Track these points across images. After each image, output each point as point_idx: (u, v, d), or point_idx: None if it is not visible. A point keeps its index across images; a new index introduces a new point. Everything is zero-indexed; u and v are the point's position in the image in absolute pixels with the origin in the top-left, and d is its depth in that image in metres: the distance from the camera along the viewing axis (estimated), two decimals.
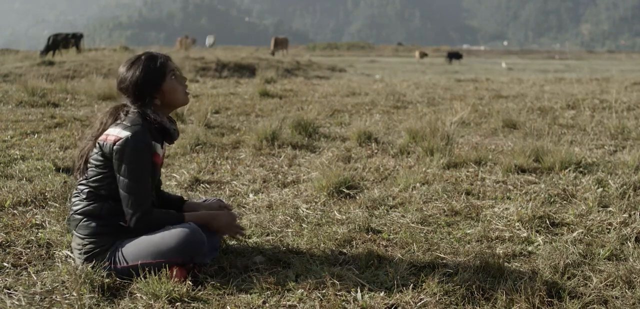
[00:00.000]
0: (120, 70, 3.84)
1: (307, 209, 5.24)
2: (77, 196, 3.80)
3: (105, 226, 3.74)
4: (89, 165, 3.76)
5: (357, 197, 5.55)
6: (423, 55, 52.01)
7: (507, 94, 14.36)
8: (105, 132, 3.74)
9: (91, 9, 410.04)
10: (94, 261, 3.70)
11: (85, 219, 3.74)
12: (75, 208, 3.79)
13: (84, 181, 3.79)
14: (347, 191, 5.68)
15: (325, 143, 7.98)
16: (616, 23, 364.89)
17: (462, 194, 5.62)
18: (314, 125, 8.56)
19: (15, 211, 4.93)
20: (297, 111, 10.42)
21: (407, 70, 33.39)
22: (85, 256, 3.73)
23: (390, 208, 5.30)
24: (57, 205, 5.07)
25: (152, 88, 3.81)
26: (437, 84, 17.43)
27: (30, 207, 5.06)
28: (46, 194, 5.33)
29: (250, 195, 5.68)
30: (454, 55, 47.16)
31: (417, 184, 5.91)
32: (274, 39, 44.46)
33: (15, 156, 6.87)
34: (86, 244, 3.74)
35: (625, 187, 5.62)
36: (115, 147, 3.64)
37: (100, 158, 3.70)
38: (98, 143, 3.72)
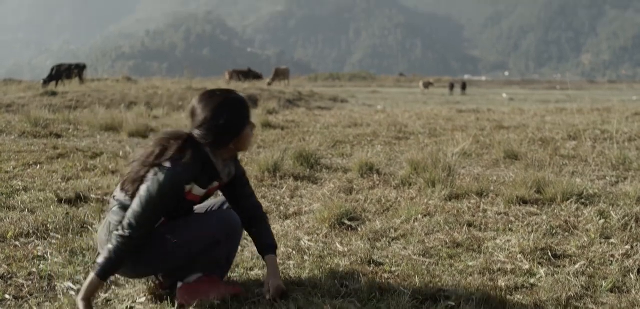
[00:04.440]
0: (199, 107, 3.71)
1: (309, 241, 5.23)
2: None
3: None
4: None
5: (359, 229, 5.54)
6: (427, 85, 52.25)
7: (508, 124, 14.38)
8: None
9: (94, 39, 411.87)
10: None
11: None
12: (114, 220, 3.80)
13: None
14: (349, 223, 5.68)
15: (327, 174, 7.99)
16: (617, 53, 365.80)
17: (464, 225, 5.61)
18: (316, 156, 8.57)
19: (17, 243, 4.94)
20: (299, 142, 10.45)
21: (408, 101, 33.46)
22: None
23: (392, 240, 5.29)
24: (59, 237, 5.07)
25: (233, 136, 3.73)
26: (439, 115, 17.47)
27: (32, 239, 5.07)
28: (48, 225, 5.34)
29: None
30: (463, 86, 49.10)
31: (419, 216, 5.91)
32: (275, 70, 44.58)
33: (18, 187, 6.88)
34: None
35: (627, 218, 5.61)
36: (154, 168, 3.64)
37: None
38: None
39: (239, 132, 3.73)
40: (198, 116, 3.68)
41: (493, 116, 17.28)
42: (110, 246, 3.57)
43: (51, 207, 6.01)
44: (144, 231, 3.60)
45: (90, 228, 5.33)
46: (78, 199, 6.34)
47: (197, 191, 3.73)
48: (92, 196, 6.45)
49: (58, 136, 11.20)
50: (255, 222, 4.08)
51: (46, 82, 32.49)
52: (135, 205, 3.58)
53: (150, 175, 3.59)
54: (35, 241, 5.04)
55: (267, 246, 4.04)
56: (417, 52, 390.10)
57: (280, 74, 44.07)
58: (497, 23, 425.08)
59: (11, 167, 8.00)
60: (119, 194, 3.79)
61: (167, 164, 3.57)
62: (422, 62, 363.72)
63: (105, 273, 3.58)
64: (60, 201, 6.29)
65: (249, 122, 3.78)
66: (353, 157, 8.94)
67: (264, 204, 6.49)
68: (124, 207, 3.72)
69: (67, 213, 5.70)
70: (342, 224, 5.66)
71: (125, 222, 3.57)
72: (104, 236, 3.78)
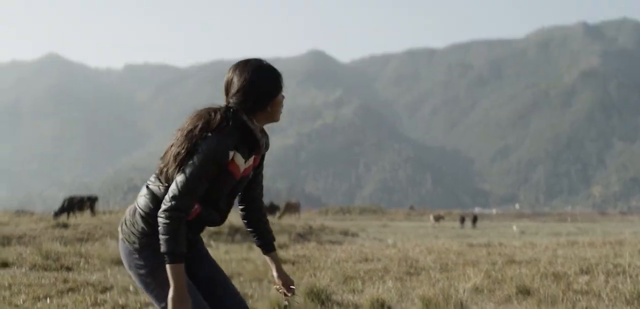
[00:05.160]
0: (235, 76, 3.78)
1: None
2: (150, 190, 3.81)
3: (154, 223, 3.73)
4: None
5: None
6: (438, 218, 52.19)
7: (520, 259, 14.31)
8: None
9: (106, 172, 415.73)
10: (130, 247, 3.77)
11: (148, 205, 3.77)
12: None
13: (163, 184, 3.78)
14: None
15: None
16: (627, 184, 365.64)
17: None
18: (327, 292, 8.52)
19: None
20: (310, 278, 10.41)
21: (419, 235, 33.42)
22: (130, 237, 3.78)
23: None
24: None
25: (271, 97, 3.79)
26: (450, 249, 17.42)
27: None
28: None
29: None
30: (473, 219, 49.49)
31: None
32: (285, 204, 44.77)
33: None
34: (136, 231, 3.78)
35: None
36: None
37: None
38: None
39: (276, 94, 3.81)
40: (235, 83, 3.76)
41: (504, 250, 17.22)
42: (159, 229, 3.57)
43: None
44: (187, 201, 3.58)
45: None
46: None
47: (239, 160, 3.72)
48: None
49: (69, 269, 11.21)
50: (261, 216, 4.19)
51: (57, 214, 32.67)
52: (179, 177, 3.59)
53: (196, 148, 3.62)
54: None
55: (270, 242, 4.20)
56: (427, 186, 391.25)
57: (291, 208, 44.23)
58: (506, 156, 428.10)
59: (21, 301, 7.99)
60: (153, 183, 3.82)
61: (210, 134, 3.62)
62: (432, 196, 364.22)
63: (173, 254, 3.56)
64: None
65: (282, 88, 3.87)
66: (364, 294, 8.89)
67: None
68: (155, 198, 3.75)
69: None
70: None
71: (168, 195, 3.57)
72: (129, 216, 3.83)
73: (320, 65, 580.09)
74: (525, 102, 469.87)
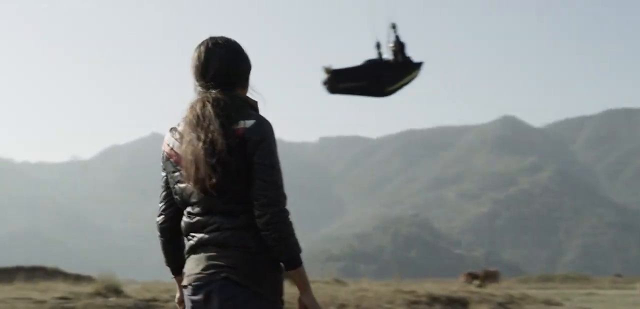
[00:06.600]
0: (212, 55, 3.33)
1: None
2: (226, 217, 3.18)
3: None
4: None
5: None
6: None
7: None
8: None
9: (303, 244, 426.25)
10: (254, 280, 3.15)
11: (242, 231, 3.18)
12: (228, 225, 3.18)
13: (229, 205, 3.19)
14: None
15: None
16: None
17: None
18: None
19: None
20: None
21: (628, 304, 31.66)
22: (248, 270, 3.16)
23: None
24: None
25: (249, 70, 3.45)
26: None
27: None
28: None
29: None
30: None
31: None
32: (484, 272, 44.15)
33: None
34: (252, 255, 3.18)
35: None
36: (247, 135, 3.14)
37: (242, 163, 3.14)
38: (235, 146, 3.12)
39: (251, 66, 3.48)
40: (215, 62, 3.32)
41: None
42: (278, 240, 3.15)
43: None
44: (285, 192, 3.21)
45: None
46: None
47: None
48: None
49: None
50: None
51: None
52: (264, 175, 3.12)
53: (251, 144, 3.13)
54: None
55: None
56: (632, 251, 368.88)
57: (490, 276, 43.55)
58: None
59: None
60: (236, 219, 3.19)
61: (253, 119, 3.20)
62: (638, 261, 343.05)
63: (299, 256, 3.26)
64: None
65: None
66: None
67: None
68: (256, 228, 3.16)
69: None
70: None
71: (269, 199, 3.12)
72: (246, 265, 3.17)
73: (512, 131, 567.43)
74: None
